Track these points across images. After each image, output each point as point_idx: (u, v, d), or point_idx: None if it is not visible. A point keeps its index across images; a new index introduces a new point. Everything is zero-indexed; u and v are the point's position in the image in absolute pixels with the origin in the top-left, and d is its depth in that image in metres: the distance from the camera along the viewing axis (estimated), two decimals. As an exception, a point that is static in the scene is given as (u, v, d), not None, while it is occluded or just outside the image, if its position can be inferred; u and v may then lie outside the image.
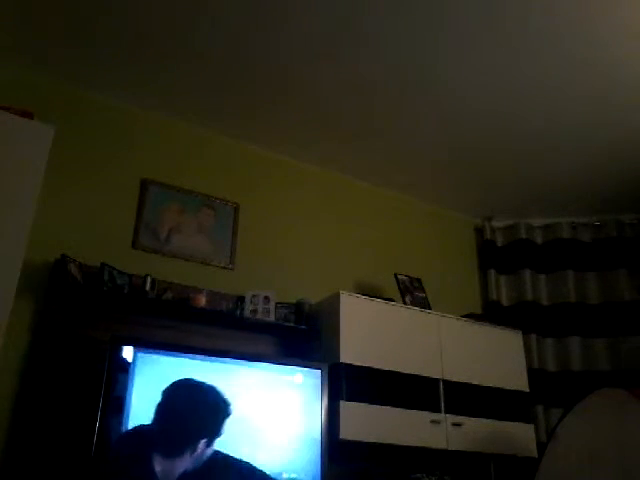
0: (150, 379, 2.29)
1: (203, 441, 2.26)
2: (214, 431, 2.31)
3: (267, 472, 2.34)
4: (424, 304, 3.24)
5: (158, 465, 2.15)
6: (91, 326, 2.51)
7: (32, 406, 2.32)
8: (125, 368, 2.26)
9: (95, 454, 2.10)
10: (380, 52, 2.62)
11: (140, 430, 2.19)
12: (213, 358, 2.45)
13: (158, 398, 2.26)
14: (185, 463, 2.20)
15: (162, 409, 2.25)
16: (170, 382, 2.31)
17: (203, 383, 2.39)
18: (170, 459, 2.19)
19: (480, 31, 2.47)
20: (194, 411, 2.32)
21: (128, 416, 2.20)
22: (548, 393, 3.53)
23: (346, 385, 2.68)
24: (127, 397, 2.22)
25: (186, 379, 2.36)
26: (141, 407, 2.23)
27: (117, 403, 2.20)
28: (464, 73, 2.73)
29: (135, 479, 2.12)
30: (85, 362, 2.43)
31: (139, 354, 2.31)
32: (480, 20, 2.41)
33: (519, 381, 3.21)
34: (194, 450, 2.23)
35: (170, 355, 2.38)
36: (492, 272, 3.92)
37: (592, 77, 2.71)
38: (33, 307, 2.46)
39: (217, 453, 2.28)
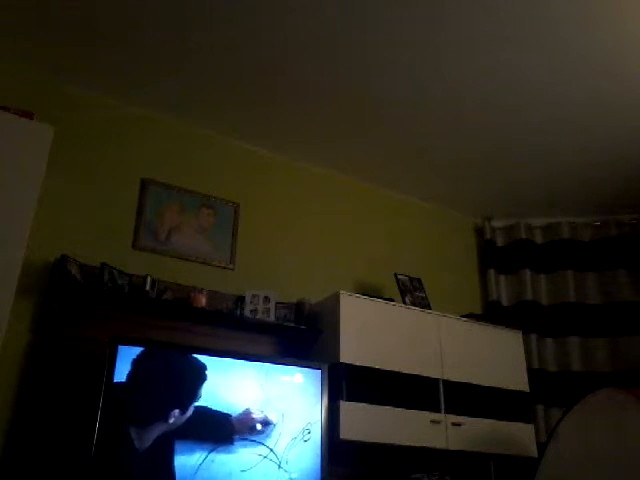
0: (149, 379, 2.29)
1: (179, 408, 2.27)
2: (191, 396, 2.32)
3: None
4: (424, 304, 3.24)
5: (134, 433, 2.17)
6: (91, 326, 2.51)
7: (32, 406, 2.32)
8: (124, 368, 2.26)
9: (95, 454, 2.10)
10: (379, 52, 2.62)
11: (115, 401, 2.20)
12: (213, 358, 2.45)
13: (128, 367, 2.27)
14: (162, 428, 2.22)
15: (135, 378, 2.26)
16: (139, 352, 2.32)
17: (173, 352, 2.41)
18: (146, 427, 2.20)
19: (480, 30, 2.47)
20: (167, 379, 2.33)
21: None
22: (548, 393, 3.52)
23: (346, 385, 2.68)
24: (126, 397, 2.22)
25: (156, 349, 2.37)
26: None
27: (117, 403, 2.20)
28: (465, 73, 2.73)
29: (113, 450, 2.13)
30: (85, 362, 2.43)
31: (139, 354, 2.31)
32: (481, 18, 2.41)
33: (519, 381, 3.21)
34: (171, 416, 2.24)
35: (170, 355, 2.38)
36: (492, 272, 3.92)
37: (593, 77, 2.71)
38: (33, 307, 2.46)
39: (196, 409, 2.30)
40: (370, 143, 3.35)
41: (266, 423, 2.42)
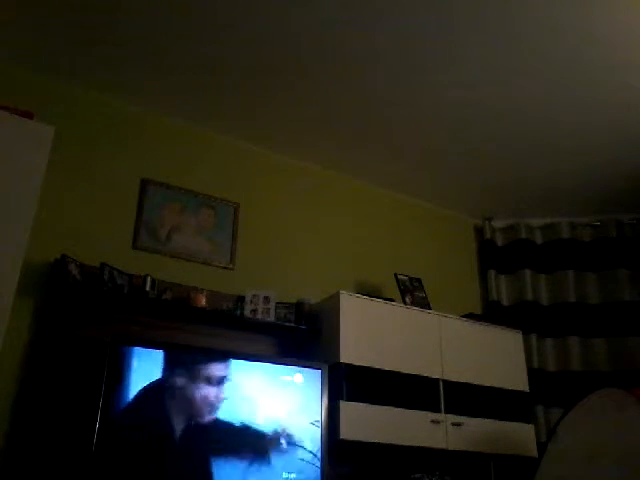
0: (150, 379, 2.30)
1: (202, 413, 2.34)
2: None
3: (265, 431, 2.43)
4: (424, 304, 3.24)
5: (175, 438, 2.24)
6: (91, 326, 2.51)
7: (32, 406, 2.32)
8: (125, 368, 2.26)
9: (95, 453, 2.10)
10: (379, 52, 2.62)
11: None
12: (213, 358, 2.45)
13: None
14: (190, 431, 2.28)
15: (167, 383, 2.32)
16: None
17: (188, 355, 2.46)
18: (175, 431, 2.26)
19: (481, 30, 2.47)
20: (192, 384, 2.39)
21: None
22: (548, 393, 3.52)
23: (346, 385, 2.68)
24: (127, 397, 2.23)
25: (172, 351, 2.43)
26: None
27: (117, 403, 2.20)
28: (465, 73, 2.73)
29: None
30: (85, 362, 2.43)
31: (139, 354, 2.31)
32: (481, 19, 2.41)
33: (519, 381, 3.21)
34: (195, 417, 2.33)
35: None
36: (492, 272, 3.92)
37: (593, 77, 2.72)
38: (33, 307, 2.46)
39: (217, 420, 2.34)
40: (370, 143, 3.35)
41: (290, 438, 2.48)
